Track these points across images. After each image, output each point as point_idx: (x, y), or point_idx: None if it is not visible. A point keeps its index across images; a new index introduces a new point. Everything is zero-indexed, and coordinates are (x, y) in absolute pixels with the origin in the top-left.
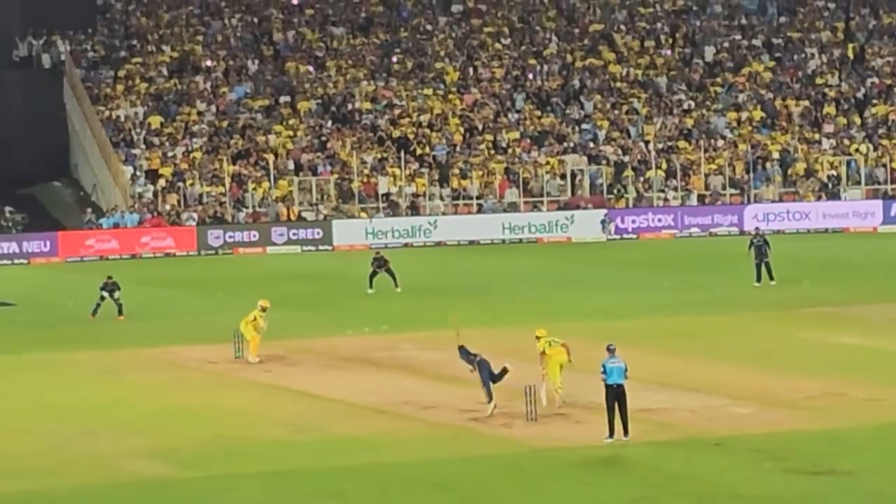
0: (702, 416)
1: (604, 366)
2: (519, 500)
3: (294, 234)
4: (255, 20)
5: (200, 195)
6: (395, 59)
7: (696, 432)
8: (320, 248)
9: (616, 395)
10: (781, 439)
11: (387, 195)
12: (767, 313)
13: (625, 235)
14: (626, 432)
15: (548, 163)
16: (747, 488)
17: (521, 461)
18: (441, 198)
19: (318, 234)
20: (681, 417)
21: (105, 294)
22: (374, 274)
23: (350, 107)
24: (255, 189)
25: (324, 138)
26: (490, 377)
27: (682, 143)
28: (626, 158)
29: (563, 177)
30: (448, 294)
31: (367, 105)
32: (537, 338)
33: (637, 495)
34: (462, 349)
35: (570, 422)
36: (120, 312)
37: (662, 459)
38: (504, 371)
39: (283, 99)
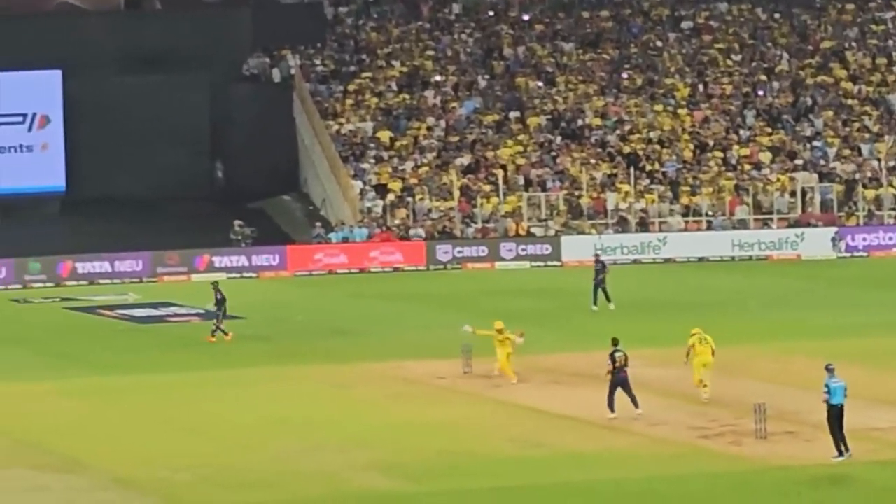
0: None
1: (827, 385)
2: None
3: (523, 250)
4: (486, 35)
5: (429, 210)
6: (624, 75)
7: None
8: (549, 263)
9: (838, 415)
10: None
11: (616, 211)
12: None
13: (855, 253)
14: (845, 449)
15: (778, 180)
16: None
17: (750, 479)
18: (671, 214)
19: (547, 249)
20: None
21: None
22: (596, 287)
23: (580, 122)
24: (483, 204)
25: (553, 154)
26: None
27: None
28: (857, 176)
29: (793, 194)
30: (677, 311)
31: (597, 121)
32: (692, 333)
33: None
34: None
35: (799, 440)
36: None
37: (893, 478)
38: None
39: (512, 114)
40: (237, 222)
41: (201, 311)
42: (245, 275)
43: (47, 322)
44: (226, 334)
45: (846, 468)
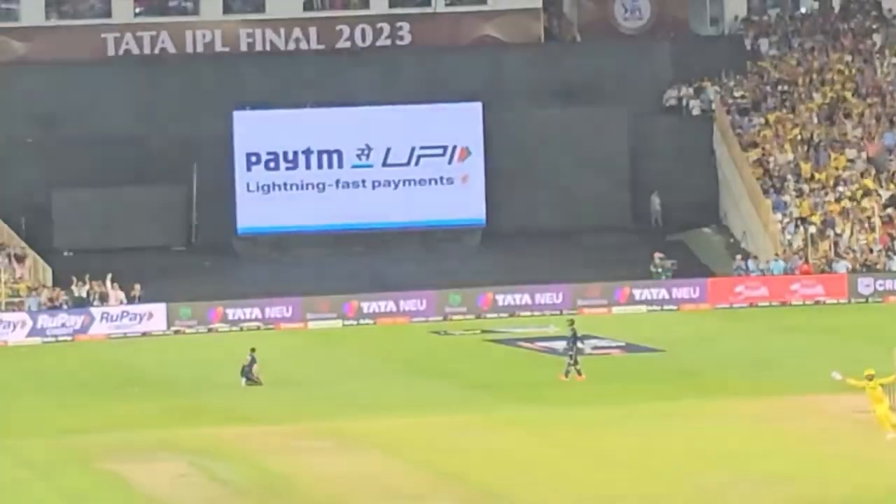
0: None
1: None
2: None
3: None
4: None
5: (851, 242)
6: None
7: None
8: None
9: None
10: None
11: None
12: None
13: None
14: None
15: None
16: None
17: None
18: None
19: None
20: None
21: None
22: None
23: None
24: None
25: None
26: None
27: None
28: None
29: None
30: None
31: None
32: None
33: None
34: None
35: None
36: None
37: None
38: None
39: None
40: (657, 255)
41: (622, 344)
42: (665, 307)
43: (468, 354)
44: (579, 374)
45: None
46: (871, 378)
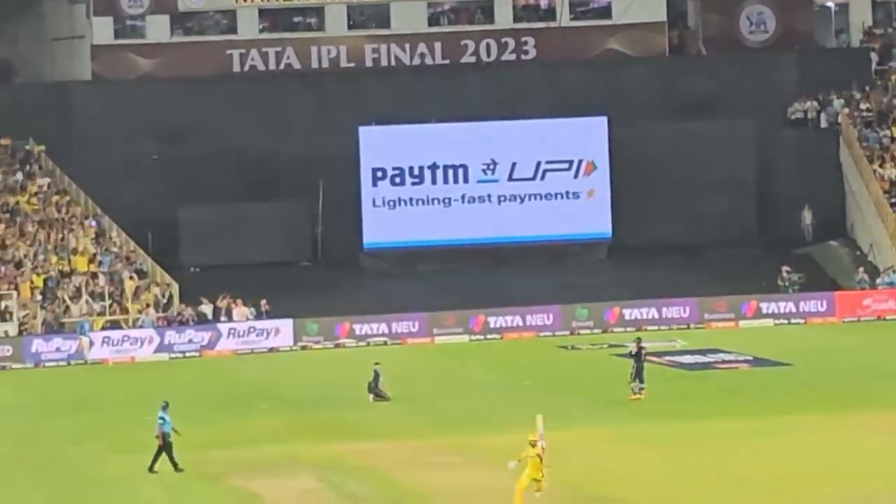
0: None
1: None
2: None
3: None
4: None
5: None
6: None
7: None
8: None
9: None
10: None
11: None
12: None
13: None
14: None
15: None
16: None
17: None
18: None
19: None
20: None
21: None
22: None
23: None
24: None
25: None
26: None
27: None
28: None
29: None
30: None
31: None
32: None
33: None
34: None
35: None
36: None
37: None
38: None
39: None
40: (785, 268)
41: (749, 358)
42: (793, 321)
43: (596, 368)
44: (634, 393)
45: None
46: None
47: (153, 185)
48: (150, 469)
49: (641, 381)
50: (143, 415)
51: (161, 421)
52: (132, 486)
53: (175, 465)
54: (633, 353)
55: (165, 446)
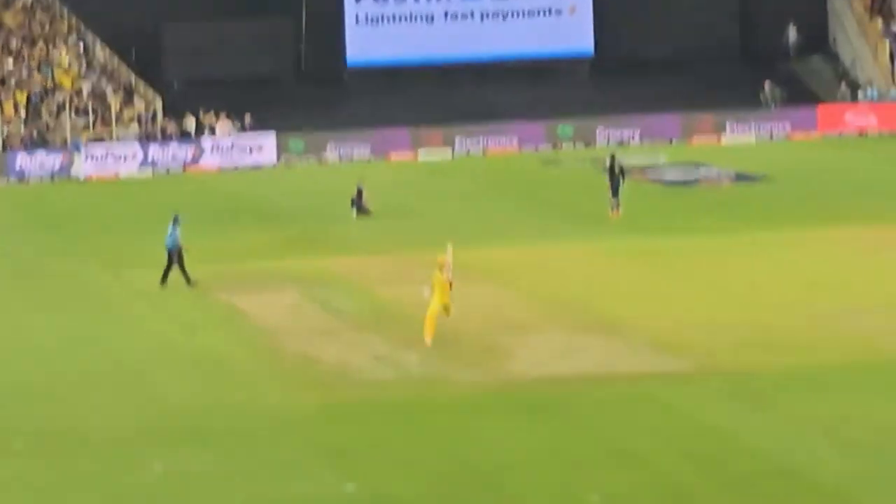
0: None
1: None
2: None
3: None
4: None
5: None
6: None
7: None
8: None
9: None
10: None
11: None
12: None
13: None
14: None
15: None
16: None
17: None
18: None
19: None
20: None
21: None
22: None
23: None
24: None
25: None
26: None
27: None
28: None
29: None
30: None
31: None
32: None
33: None
34: None
35: None
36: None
37: None
38: None
39: None
40: (766, 83)
41: (732, 174)
42: (775, 136)
43: (578, 184)
44: (614, 210)
45: None
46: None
47: (137, 1)
48: (162, 282)
49: (617, 197)
50: (125, 232)
51: (172, 235)
52: (121, 299)
53: (164, 280)
54: (608, 168)
55: (176, 260)
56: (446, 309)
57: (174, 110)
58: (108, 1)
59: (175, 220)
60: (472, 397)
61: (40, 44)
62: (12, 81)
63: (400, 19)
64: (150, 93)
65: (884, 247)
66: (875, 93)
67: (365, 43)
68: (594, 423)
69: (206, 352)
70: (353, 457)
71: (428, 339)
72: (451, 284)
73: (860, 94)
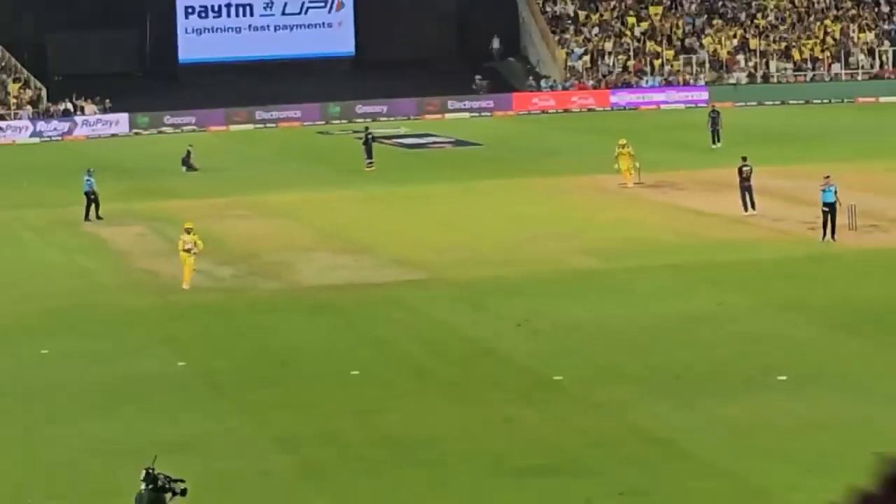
0: None
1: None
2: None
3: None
4: None
5: (612, 67)
6: None
7: None
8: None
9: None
10: None
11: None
12: None
13: None
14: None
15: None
16: None
17: (840, 257)
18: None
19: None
20: None
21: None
22: (713, 131)
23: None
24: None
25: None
26: None
27: None
28: None
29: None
30: (789, 139)
31: None
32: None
33: None
34: None
35: (879, 231)
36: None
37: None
38: None
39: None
40: (477, 77)
41: (452, 140)
42: (482, 114)
43: (343, 148)
44: (366, 167)
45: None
46: (623, 146)
47: (28, 15)
48: (85, 219)
49: (370, 158)
50: (17, 182)
51: (87, 182)
52: (15, 232)
53: (98, 215)
54: (364, 138)
55: (91, 202)
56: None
57: (55, 97)
58: (6, 16)
59: (89, 172)
60: (269, 300)
61: None
62: None
63: (218, 30)
64: (38, 83)
65: (559, 192)
66: (552, 84)
67: (192, 47)
68: (356, 318)
69: (76, 268)
70: (184, 343)
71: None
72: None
73: (542, 84)
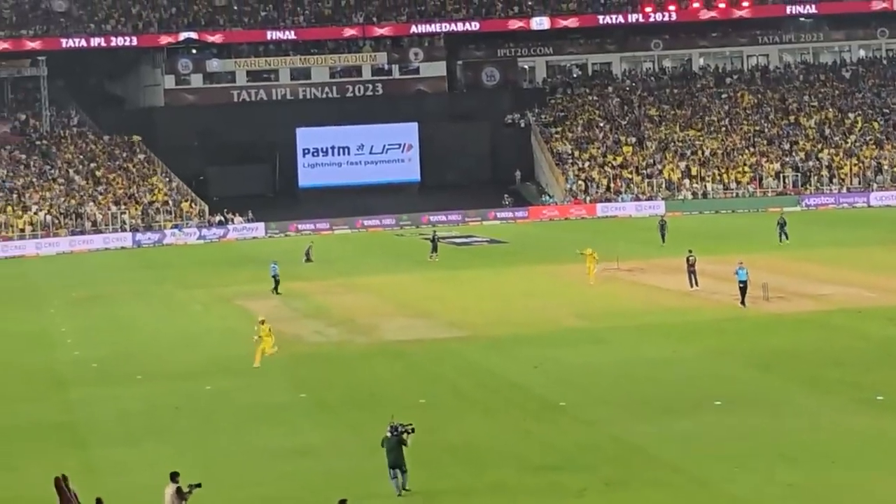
0: None
1: (737, 272)
2: None
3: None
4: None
5: (596, 187)
6: None
7: None
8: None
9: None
10: None
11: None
12: None
13: (810, 208)
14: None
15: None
16: None
17: (759, 320)
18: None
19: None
20: None
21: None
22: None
23: None
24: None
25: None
26: None
27: None
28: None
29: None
30: (719, 238)
31: None
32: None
33: None
34: None
35: (784, 301)
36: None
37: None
38: None
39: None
40: (505, 195)
41: (487, 239)
42: (509, 221)
43: (412, 246)
44: (430, 259)
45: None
46: (590, 253)
47: (194, 160)
48: (274, 292)
49: (435, 252)
50: (188, 271)
51: (273, 268)
52: (184, 305)
53: (277, 291)
54: (431, 238)
55: (277, 282)
56: (272, 348)
57: (214, 211)
58: (182, 156)
59: (275, 262)
60: (362, 350)
61: None
62: None
63: (326, 164)
64: (202, 203)
65: (560, 275)
66: (556, 200)
67: (308, 176)
68: (422, 362)
69: (228, 330)
70: (304, 381)
71: (256, 363)
72: (270, 331)
73: (549, 200)
